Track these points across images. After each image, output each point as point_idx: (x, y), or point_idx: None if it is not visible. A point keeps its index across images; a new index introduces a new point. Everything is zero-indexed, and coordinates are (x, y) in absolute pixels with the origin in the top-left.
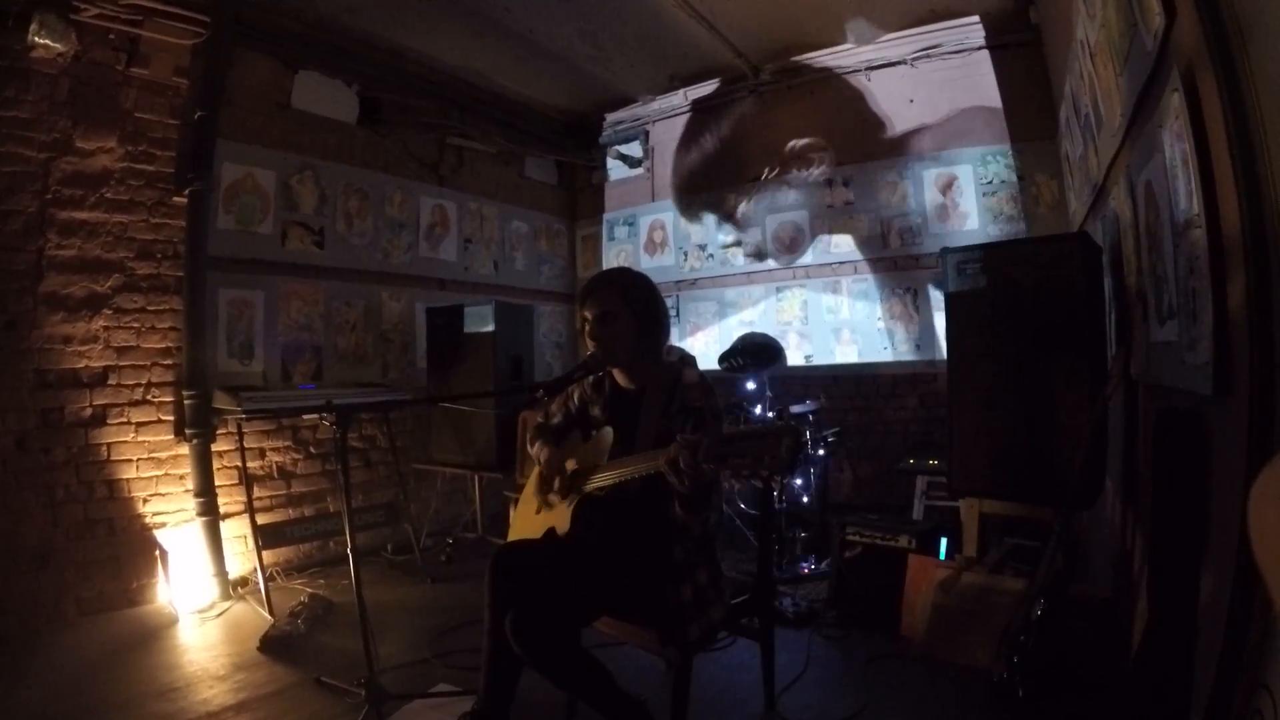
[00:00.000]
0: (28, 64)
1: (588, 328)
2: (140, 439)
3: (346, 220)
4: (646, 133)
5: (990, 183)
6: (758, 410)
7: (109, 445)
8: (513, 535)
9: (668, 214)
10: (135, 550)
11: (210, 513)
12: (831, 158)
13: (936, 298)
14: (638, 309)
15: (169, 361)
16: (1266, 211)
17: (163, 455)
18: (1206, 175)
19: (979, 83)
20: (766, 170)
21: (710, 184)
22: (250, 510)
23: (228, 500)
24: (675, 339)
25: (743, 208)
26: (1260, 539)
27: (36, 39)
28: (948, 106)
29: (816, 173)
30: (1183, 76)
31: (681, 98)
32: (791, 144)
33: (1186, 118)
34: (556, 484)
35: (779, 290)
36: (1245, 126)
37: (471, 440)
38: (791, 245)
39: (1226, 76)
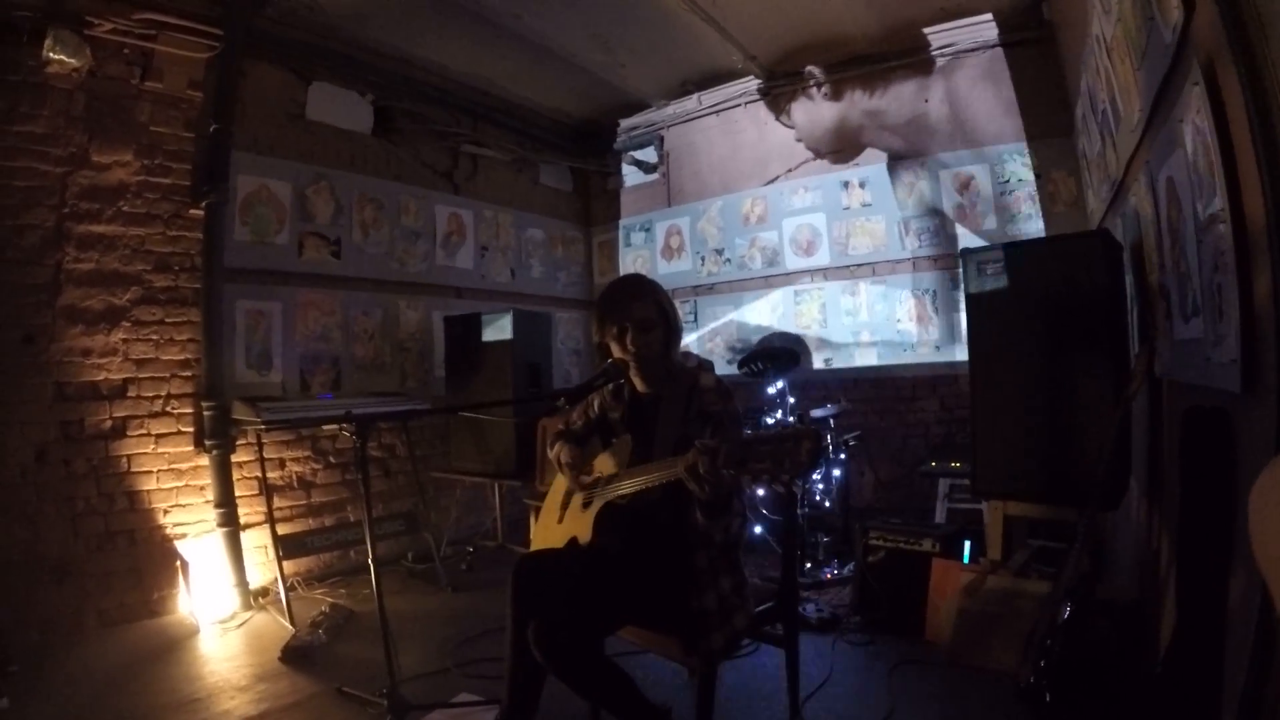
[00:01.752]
0: (43, 79)
1: (629, 336)
2: (160, 450)
3: (362, 230)
4: (661, 138)
5: (1007, 181)
6: (778, 415)
7: (129, 457)
8: (535, 544)
9: (684, 219)
10: (156, 561)
11: (231, 523)
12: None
13: (956, 298)
14: (668, 316)
15: (188, 373)
16: None
17: (183, 466)
18: (1230, 168)
19: (993, 81)
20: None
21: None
22: (270, 520)
23: (248, 510)
24: (694, 345)
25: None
26: (1260, 541)
27: (51, 54)
28: (963, 105)
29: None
30: (1203, 69)
31: (695, 102)
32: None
33: (1208, 111)
34: (578, 492)
35: (797, 293)
36: (1268, 118)
37: (491, 449)
38: (809, 247)
39: (1248, 68)
